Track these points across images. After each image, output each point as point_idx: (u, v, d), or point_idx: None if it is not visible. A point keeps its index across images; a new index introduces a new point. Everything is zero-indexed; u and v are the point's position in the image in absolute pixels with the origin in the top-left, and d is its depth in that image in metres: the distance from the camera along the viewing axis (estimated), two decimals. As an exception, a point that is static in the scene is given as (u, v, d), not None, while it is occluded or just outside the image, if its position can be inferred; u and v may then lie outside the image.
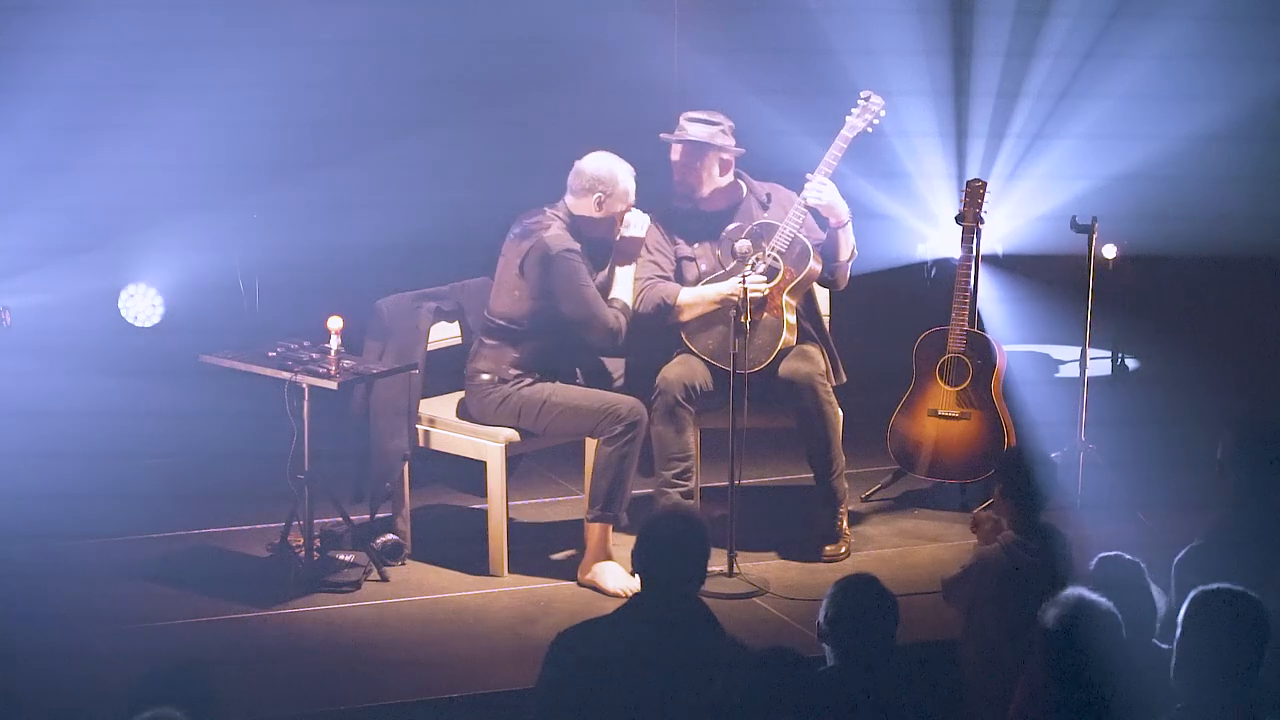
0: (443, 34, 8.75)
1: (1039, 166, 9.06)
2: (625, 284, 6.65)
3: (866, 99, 6.82)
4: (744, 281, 6.40)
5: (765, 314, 6.64)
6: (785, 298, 6.68)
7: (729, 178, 6.82)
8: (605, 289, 6.60)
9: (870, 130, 6.86)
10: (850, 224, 6.77)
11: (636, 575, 4.44)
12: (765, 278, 6.64)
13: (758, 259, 6.60)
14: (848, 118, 6.81)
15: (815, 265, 6.72)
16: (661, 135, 6.81)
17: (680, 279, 6.80)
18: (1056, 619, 4.30)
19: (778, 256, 6.68)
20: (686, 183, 6.78)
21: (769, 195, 6.84)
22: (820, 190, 6.68)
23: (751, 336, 6.52)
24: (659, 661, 4.24)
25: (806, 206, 6.69)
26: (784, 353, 6.69)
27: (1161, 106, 8.96)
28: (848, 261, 6.81)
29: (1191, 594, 4.20)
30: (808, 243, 6.69)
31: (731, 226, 6.68)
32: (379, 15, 8.68)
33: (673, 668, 4.23)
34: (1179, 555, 5.18)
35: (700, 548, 4.44)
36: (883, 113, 6.83)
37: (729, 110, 6.88)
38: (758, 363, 6.59)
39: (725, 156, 6.77)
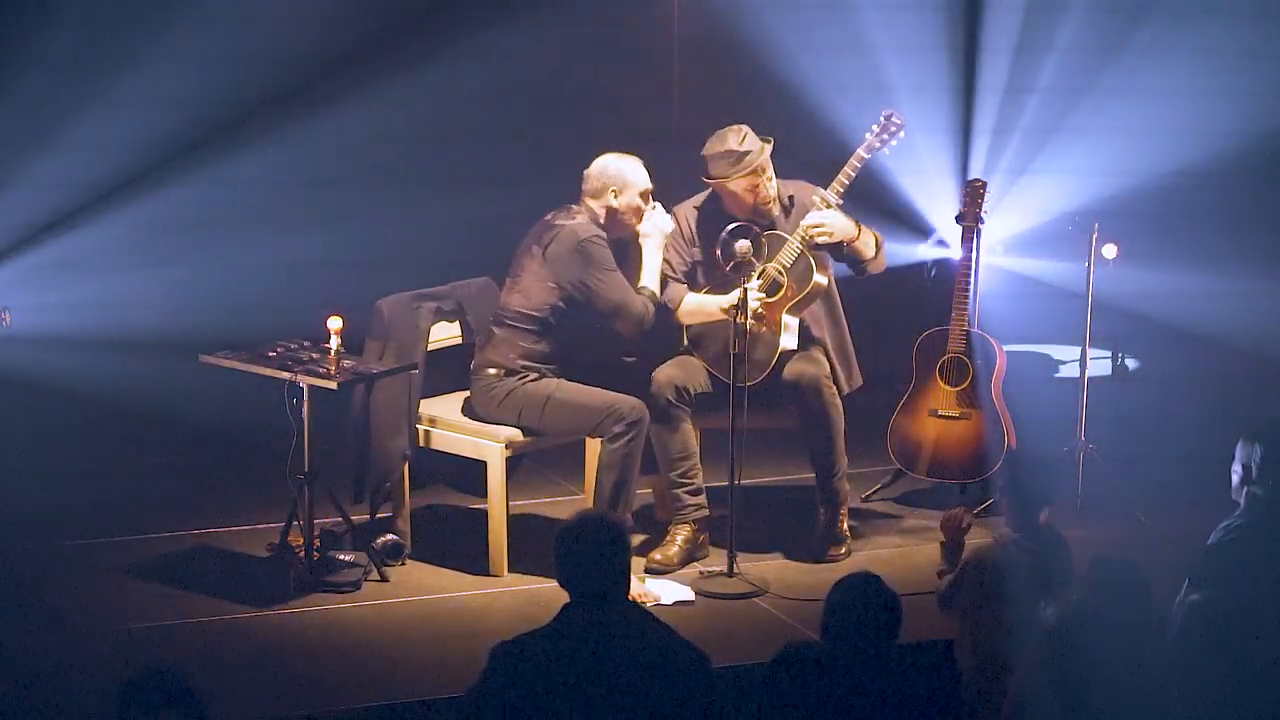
0: (444, 39, 8.75)
1: (1040, 165, 9.06)
2: (652, 271, 6.63)
3: (887, 118, 6.74)
4: (744, 284, 6.38)
5: (764, 329, 6.62)
6: (785, 316, 6.65)
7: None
8: (631, 280, 6.61)
9: (888, 151, 6.82)
10: (861, 232, 6.70)
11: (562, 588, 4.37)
12: (765, 292, 6.63)
13: (759, 264, 6.56)
14: (867, 135, 6.75)
15: (820, 280, 6.67)
16: (711, 181, 6.69)
17: (693, 282, 6.79)
18: (1056, 618, 4.31)
19: (782, 271, 6.65)
20: (760, 201, 6.69)
21: (791, 198, 6.78)
22: (822, 221, 6.61)
23: (749, 350, 6.50)
24: (598, 669, 4.20)
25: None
26: (784, 360, 6.68)
27: (1168, 104, 8.96)
28: (876, 258, 6.76)
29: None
30: (812, 260, 6.65)
31: (732, 226, 6.64)
32: (375, 15, 8.68)
33: (613, 674, 4.20)
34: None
35: (617, 550, 4.34)
36: (902, 134, 6.76)
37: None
38: (754, 376, 6.56)
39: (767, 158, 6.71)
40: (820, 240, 6.62)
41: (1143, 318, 8.54)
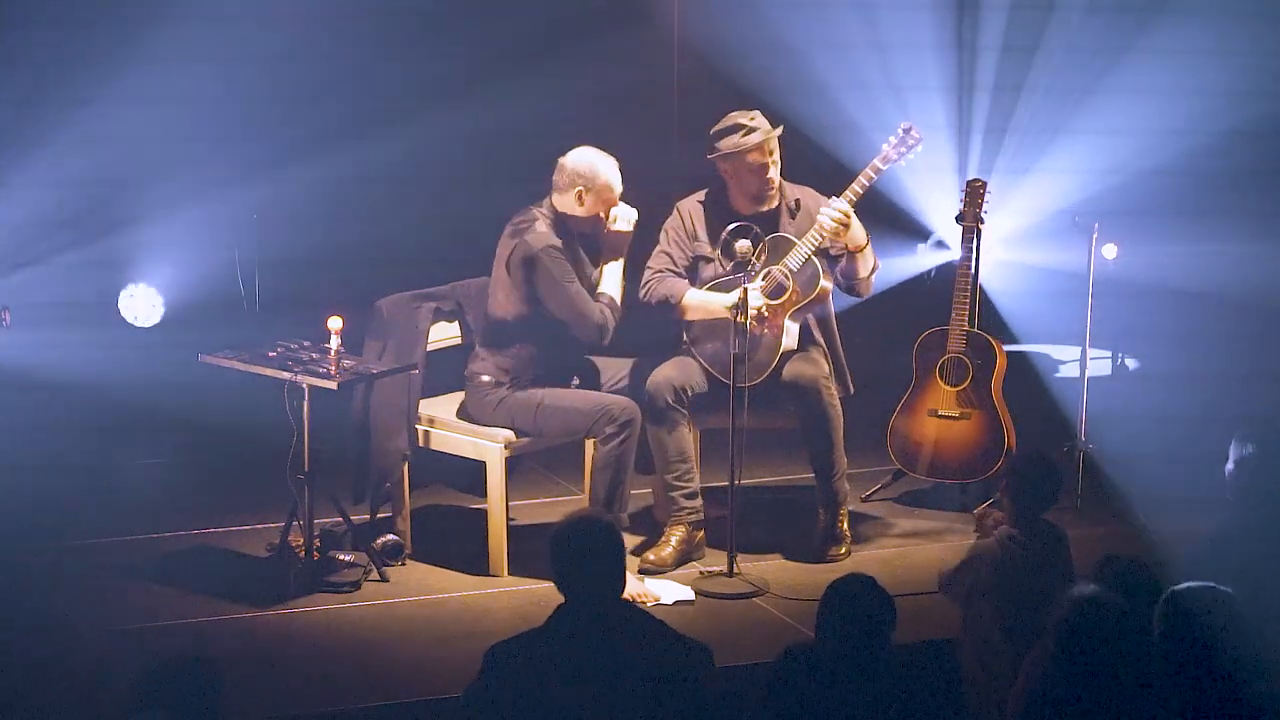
0: (441, 33, 8.76)
1: (1032, 164, 9.07)
2: (613, 279, 6.60)
3: (906, 131, 6.70)
4: (745, 284, 6.37)
5: (765, 331, 6.61)
6: (787, 320, 6.65)
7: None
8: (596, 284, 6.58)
9: (904, 164, 6.79)
10: (869, 245, 6.71)
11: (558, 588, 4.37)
12: (770, 295, 6.62)
13: (760, 263, 6.54)
14: (884, 146, 6.71)
15: (826, 285, 6.66)
16: (719, 157, 6.63)
17: (695, 277, 6.79)
18: (1067, 615, 4.29)
19: (788, 275, 6.64)
20: (763, 185, 6.67)
21: (797, 201, 6.76)
22: (841, 225, 6.57)
23: (749, 352, 6.49)
24: (593, 669, 4.20)
25: (824, 231, 6.60)
26: (784, 359, 6.68)
27: (1167, 102, 8.98)
28: (868, 277, 6.76)
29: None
30: (819, 266, 6.64)
31: (733, 225, 6.62)
32: (378, 14, 8.70)
33: (609, 673, 4.19)
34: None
35: (610, 550, 4.34)
36: (920, 148, 6.72)
37: (732, 109, 6.85)
38: (753, 378, 6.55)
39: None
40: (838, 232, 6.56)
41: (1144, 291, 8.54)
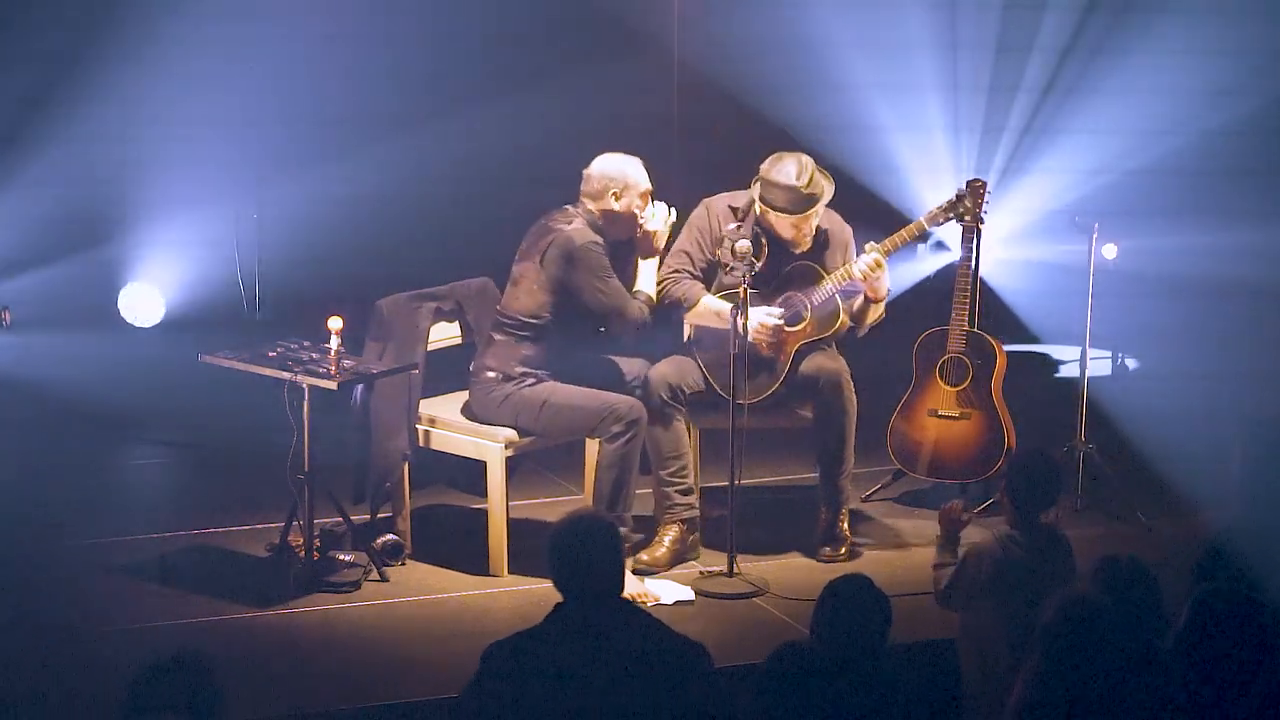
0: (444, 30, 8.76)
1: (1038, 163, 9.07)
2: (648, 277, 6.62)
3: (960, 198, 6.76)
4: (744, 281, 6.37)
5: (772, 355, 6.61)
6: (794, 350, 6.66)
7: None
8: (628, 284, 6.59)
9: (945, 227, 6.86)
10: (886, 297, 6.71)
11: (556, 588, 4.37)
12: (788, 322, 6.62)
13: (760, 263, 6.52)
14: (934, 209, 6.76)
15: (845, 320, 6.67)
16: (793, 218, 6.57)
17: (710, 279, 6.76)
18: (1055, 616, 4.30)
19: (808, 306, 6.64)
20: (800, 239, 6.65)
21: (826, 234, 6.74)
22: (872, 272, 6.56)
23: (753, 372, 6.50)
24: (591, 668, 4.20)
25: (853, 274, 6.60)
26: (799, 357, 6.67)
27: (1166, 101, 8.98)
28: (873, 322, 6.77)
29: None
30: (840, 306, 6.64)
31: (732, 226, 6.61)
32: (381, 11, 8.70)
33: (606, 672, 4.20)
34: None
35: (610, 549, 4.35)
36: (968, 218, 6.79)
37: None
38: (753, 397, 6.54)
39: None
40: (867, 279, 6.56)
41: (1144, 290, 8.55)
